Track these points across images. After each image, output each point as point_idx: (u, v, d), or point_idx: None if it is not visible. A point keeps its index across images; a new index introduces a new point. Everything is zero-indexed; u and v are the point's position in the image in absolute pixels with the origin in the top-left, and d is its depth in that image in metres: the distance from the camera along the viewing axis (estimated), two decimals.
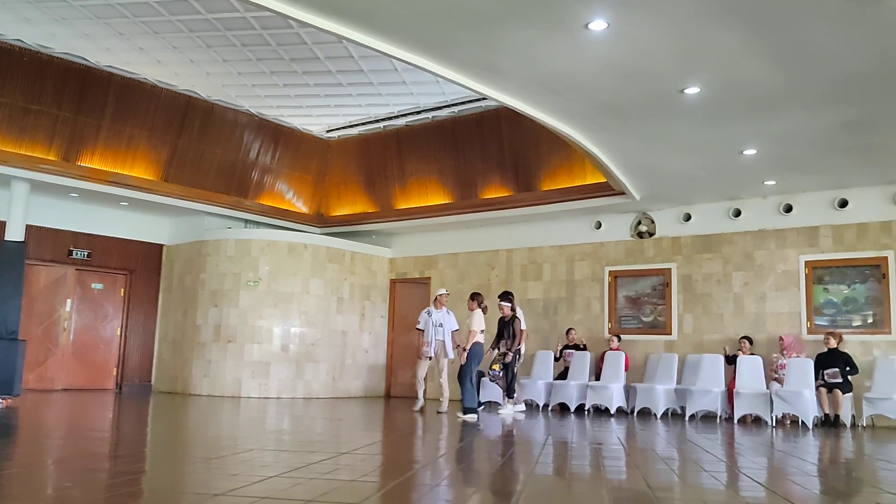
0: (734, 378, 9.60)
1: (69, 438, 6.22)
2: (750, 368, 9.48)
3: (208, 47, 9.45)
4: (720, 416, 9.65)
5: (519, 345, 9.63)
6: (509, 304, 9.71)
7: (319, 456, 4.99)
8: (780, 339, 9.76)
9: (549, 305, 12.02)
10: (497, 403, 10.49)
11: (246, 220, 13.29)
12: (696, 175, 9.39)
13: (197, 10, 8.39)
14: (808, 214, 10.02)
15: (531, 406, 10.86)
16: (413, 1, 5.19)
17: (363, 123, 12.44)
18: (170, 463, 5.03)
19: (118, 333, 12.76)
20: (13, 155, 10.12)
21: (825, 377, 9.01)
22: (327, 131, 12.92)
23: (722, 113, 7.21)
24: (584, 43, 5.73)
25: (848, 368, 9.01)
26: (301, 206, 13.81)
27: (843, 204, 9.74)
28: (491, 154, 11.78)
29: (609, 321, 11.43)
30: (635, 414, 10.16)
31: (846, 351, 9.24)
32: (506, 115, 10.77)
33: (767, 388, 9.30)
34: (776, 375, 9.53)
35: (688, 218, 10.91)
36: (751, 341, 9.89)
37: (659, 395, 9.87)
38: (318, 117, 12.22)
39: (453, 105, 11.25)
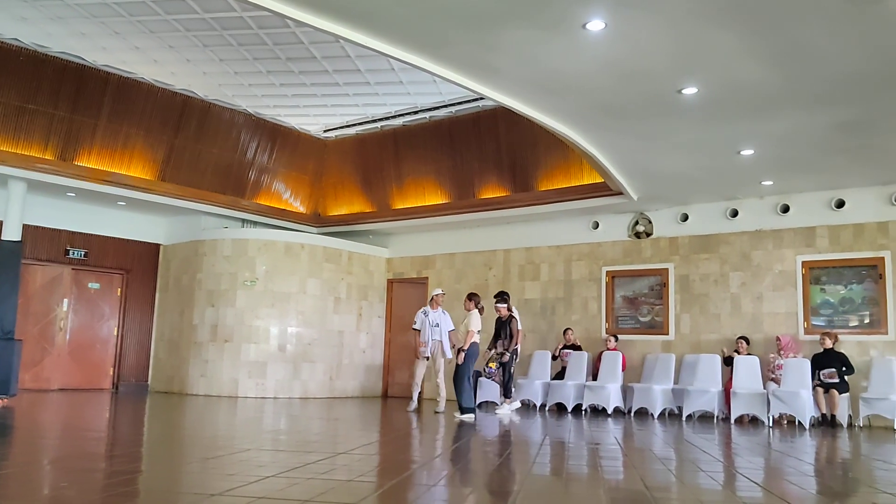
0: (731, 378, 9.61)
1: (65, 438, 6.21)
2: (747, 368, 9.49)
3: (205, 47, 9.43)
4: (717, 417, 9.66)
5: (516, 345, 9.64)
6: (505, 305, 9.71)
7: (316, 456, 4.98)
8: (777, 339, 9.78)
9: (547, 305, 12.03)
10: (494, 403, 10.49)
11: (243, 220, 13.28)
12: (694, 175, 9.40)
13: (193, 9, 8.37)
14: (805, 215, 10.03)
15: (528, 406, 10.86)
16: (410, 0, 5.18)
17: (360, 123, 12.43)
18: (166, 463, 5.02)
19: (115, 333, 12.74)
20: (10, 154, 10.10)
21: (821, 377, 9.03)
22: (324, 131, 12.90)
23: (719, 113, 7.21)
24: (581, 43, 5.73)
25: (844, 368, 9.02)
26: (298, 206, 13.80)
27: (840, 204, 9.76)
28: (488, 154, 11.78)
29: (606, 321, 11.44)
30: (632, 414, 10.17)
31: (842, 351, 9.26)
32: (503, 115, 10.76)
33: (764, 389, 9.31)
34: (773, 375, 9.54)
35: (685, 218, 10.92)
36: (748, 341, 9.90)
37: (656, 396, 9.88)
38: (315, 117, 12.20)
39: (450, 105, 11.24)
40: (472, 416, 8.67)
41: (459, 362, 8.87)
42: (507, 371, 9.66)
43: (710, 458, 5.71)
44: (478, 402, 10.03)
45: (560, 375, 11.04)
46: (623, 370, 10.47)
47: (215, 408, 9.74)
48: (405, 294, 13.92)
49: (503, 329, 9.71)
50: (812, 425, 8.86)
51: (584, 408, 10.39)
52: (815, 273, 9.92)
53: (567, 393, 10.54)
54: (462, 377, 8.84)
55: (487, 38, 5.76)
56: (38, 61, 9.89)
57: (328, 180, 13.81)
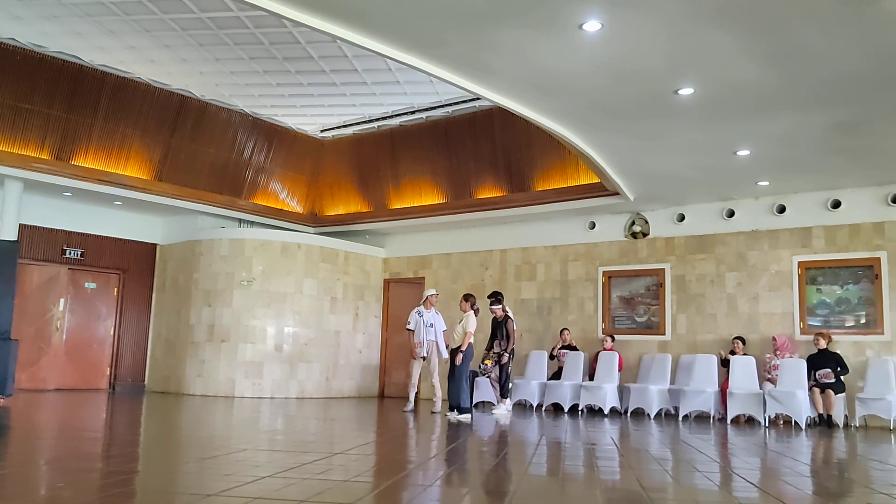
0: (727, 378, 9.62)
1: (62, 438, 6.20)
2: (743, 369, 9.50)
3: (201, 46, 9.42)
4: (713, 417, 9.68)
5: (512, 345, 9.65)
6: (500, 306, 9.71)
7: (313, 456, 4.98)
8: (773, 339, 9.79)
9: (543, 306, 12.03)
10: (491, 403, 10.50)
11: (240, 220, 13.26)
12: (690, 176, 9.41)
13: (190, 8, 8.36)
14: (801, 215, 10.05)
15: (524, 406, 10.86)
16: (406, 0, 5.18)
17: (357, 123, 12.42)
18: (163, 463, 5.01)
19: (111, 333, 12.72)
20: (6, 154, 10.08)
21: (817, 378, 9.05)
22: (321, 131, 12.89)
23: (716, 114, 7.23)
24: (577, 43, 5.74)
25: (839, 369, 9.04)
26: (295, 206, 13.79)
27: (836, 205, 9.78)
28: (484, 154, 11.79)
29: (603, 321, 11.45)
30: (629, 414, 10.18)
31: (837, 351, 9.28)
32: (499, 116, 10.77)
33: (760, 389, 9.32)
34: (769, 376, 9.56)
35: (681, 218, 10.94)
36: (744, 341, 9.92)
37: (652, 396, 9.89)
38: (311, 117, 12.20)
39: (447, 105, 11.24)
40: (468, 416, 8.68)
41: (457, 363, 8.87)
42: (503, 371, 9.66)
43: (707, 459, 5.72)
44: (474, 403, 10.04)
45: (556, 375, 11.05)
46: (619, 370, 10.48)
47: (212, 408, 9.73)
48: (402, 294, 13.92)
49: (500, 330, 9.71)
50: (808, 425, 8.88)
51: (580, 408, 10.39)
52: (812, 273, 9.94)
53: (563, 393, 10.54)
54: (459, 378, 8.83)
55: (483, 38, 5.76)
56: (35, 61, 9.87)
57: (325, 180, 13.80)
